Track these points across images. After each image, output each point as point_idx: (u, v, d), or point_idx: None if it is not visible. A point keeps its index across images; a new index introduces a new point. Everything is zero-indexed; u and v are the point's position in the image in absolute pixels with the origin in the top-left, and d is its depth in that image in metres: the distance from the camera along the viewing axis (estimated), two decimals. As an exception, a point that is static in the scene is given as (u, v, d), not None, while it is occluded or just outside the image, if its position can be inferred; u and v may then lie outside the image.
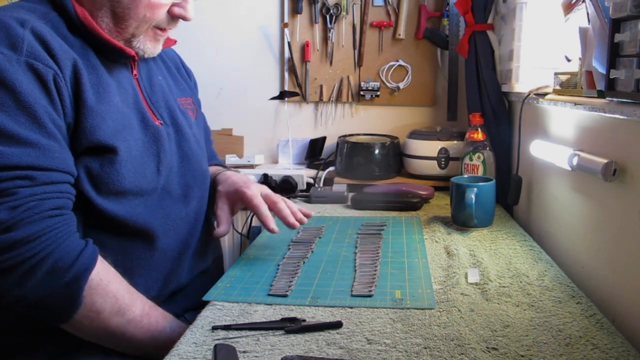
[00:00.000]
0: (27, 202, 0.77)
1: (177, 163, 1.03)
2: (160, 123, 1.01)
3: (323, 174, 1.80)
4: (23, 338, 0.88)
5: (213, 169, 1.27)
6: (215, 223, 1.12)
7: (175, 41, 1.10)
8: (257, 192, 1.08)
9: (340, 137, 1.78)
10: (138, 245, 0.94)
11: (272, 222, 1.05)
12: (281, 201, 1.09)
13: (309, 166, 1.87)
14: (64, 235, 0.80)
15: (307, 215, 1.11)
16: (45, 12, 0.88)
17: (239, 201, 1.10)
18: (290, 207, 1.10)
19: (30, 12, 0.86)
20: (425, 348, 0.72)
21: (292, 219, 1.06)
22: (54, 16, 0.88)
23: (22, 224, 0.76)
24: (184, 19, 0.96)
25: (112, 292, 0.83)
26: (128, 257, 0.93)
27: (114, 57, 0.94)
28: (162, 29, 0.97)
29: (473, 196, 1.19)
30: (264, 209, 1.05)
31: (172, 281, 1.00)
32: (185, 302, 1.03)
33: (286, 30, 1.88)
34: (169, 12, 0.94)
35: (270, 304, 0.86)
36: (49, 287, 0.78)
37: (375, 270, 0.98)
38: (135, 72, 1.00)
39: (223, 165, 1.35)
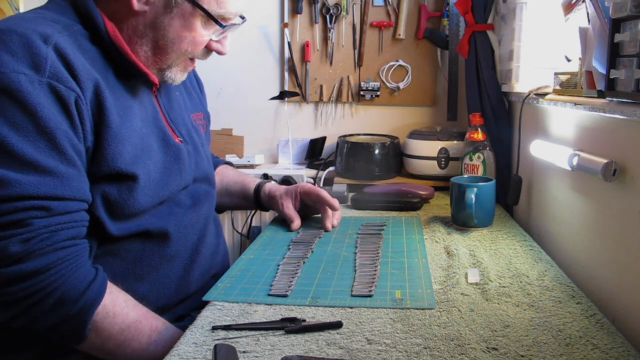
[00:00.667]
0: (40, 234, 0.76)
1: (191, 181, 1.04)
2: (180, 140, 1.01)
3: (323, 174, 1.80)
4: (13, 337, 0.87)
5: (236, 175, 1.34)
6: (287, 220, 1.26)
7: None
8: (315, 186, 1.30)
9: (340, 137, 1.78)
10: (149, 252, 0.94)
11: (336, 203, 1.24)
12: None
13: (309, 166, 1.87)
14: (75, 267, 0.79)
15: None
16: (68, 25, 0.85)
17: (299, 195, 1.27)
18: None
19: (54, 23, 0.83)
20: (425, 348, 0.72)
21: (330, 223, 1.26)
22: (78, 29, 0.86)
23: (34, 256, 0.75)
24: (220, 53, 0.97)
25: (118, 324, 0.83)
26: (139, 265, 0.93)
27: (136, 74, 0.93)
28: (194, 60, 0.98)
29: (473, 196, 1.19)
30: (327, 194, 1.25)
31: (183, 288, 1.00)
32: (193, 304, 1.03)
33: (286, 30, 1.88)
34: (207, 46, 0.95)
35: (270, 304, 0.86)
36: (55, 317, 0.78)
37: (375, 270, 0.98)
38: (154, 89, 1.00)
39: (230, 163, 1.42)
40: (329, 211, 1.25)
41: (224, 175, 1.33)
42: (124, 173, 0.86)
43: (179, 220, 0.98)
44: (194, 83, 1.22)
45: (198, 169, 1.06)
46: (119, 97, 0.88)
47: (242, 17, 0.97)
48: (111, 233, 0.88)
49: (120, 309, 0.84)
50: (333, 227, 1.25)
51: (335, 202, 1.24)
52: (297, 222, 1.25)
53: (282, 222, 1.31)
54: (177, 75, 0.97)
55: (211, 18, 0.90)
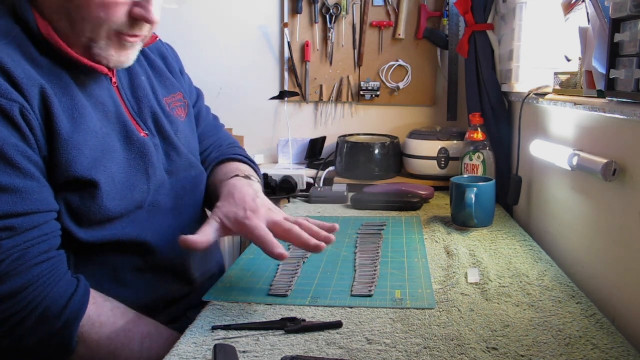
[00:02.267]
0: (10, 255, 0.73)
1: (166, 176, 0.97)
2: (146, 134, 0.95)
3: (323, 174, 1.80)
4: (6, 348, 0.83)
5: (226, 168, 1.11)
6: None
7: (156, 38, 1.01)
8: (261, 222, 0.88)
9: (340, 137, 1.78)
10: (130, 260, 0.91)
11: (277, 247, 0.84)
12: (295, 226, 0.89)
13: (309, 166, 1.87)
14: (53, 282, 0.77)
15: (331, 230, 0.94)
16: (7, 30, 0.80)
17: (238, 231, 0.91)
18: (309, 228, 0.91)
19: None
20: (425, 348, 0.72)
21: (314, 242, 0.87)
22: (18, 32, 0.81)
23: (8, 278, 0.73)
24: (147, 21, 0.84)
25: (106, 334, 0.81)
26: (121, 273, 0.90)
27: (87, 70, 0.87)
28: (130, 35, 0.85)
29: (473, 196, 1.19)
30: (269, 237, 0.86)
31: (176, 292, 0.98)
32: (188, 304, 1.02)
33: (286, 30, 1.88)
34: (131, 14, 0.83)
35: (270, 304, 0.86)
36: (41, 334, 0.76)
37: (375, 270, 0.98)
38: (115, 79, 0.93)
39: (241, 155, 1.18)
40: (301, 236, 0.89)
41: (214, 177, 1.12)
42: (82, 180, 0.82)
43: (158, 228, 0.93)
44: (170, 62, 1.11)
45: (171, 160, 0.99)
46: (73, 98, 0.83)
47: None
48: (82, 240, 0.84)
49: (106, 318, 0.82)
50: (326, 241, 0.90)
51: (274, 247, 0.85)
52: (194, 239, 0.85)
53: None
54: (110, 54, 0.84)
55: None
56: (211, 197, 1.07)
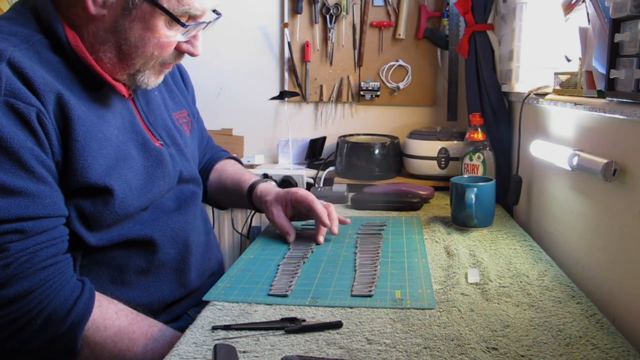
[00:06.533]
0: (19, 258, 0.74)
1: (175, 184, 1.01)
2: (161, 144, 0.98)
3: (323, 174, 1.80)
4: (10, 349, 0.84)
5: (233, 173, 1.27)
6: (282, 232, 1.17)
7: None
8: (308, 193, 1.16)
9: (340, 137, 1.78)
10: (135, 259, 0.92)
11: (327, 217, 1.12)
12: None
13: (309, 166, 1.87)
14: (59, 285, 0.78)
15: (341, 222, 1.18)
16: (28, 36, 0.81)
17: (290, 203, 1.16)
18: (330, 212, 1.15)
19: (10, 37, 0.79)
20: (425, 348, 0.72)
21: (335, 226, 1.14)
22: (38, 39, 0.82)
23: (15, 280, 0.74)
24: (191, 54, 0.92)
25: (110, 337, 0.81)
26: (125, 273, 0.91)
27: (103, 84, 0.88)
28: (168, 64, 0.92)
29: (473, 196, 1.19)
30: (320, 205, 1.13)
31: (179, 290, 0.99)
32: (191, 303, 1.03)
33: (286, 30, 1.88)
34: (177, 47, 0.89)
35: (270, 304, 0.86)
36: (45, 337, 0.77)
37: (375, 270, 0.98)
38: (130, 91, 0.95)
39: (236, 158, 1.36)
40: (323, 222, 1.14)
41: (222, 172, 1.28)
42: (95, 186, 0.83)
43: (164, 226, 0.96)
44: (178, 78, 1.16)
45: (183, 170, 1.03)
46: (89, 107, 0.84)
47: (217, 13, 0.92)
48: (90, 244, 0.85)
49: (111, 321, 0.82)
50: (333, 233, 1.14)
51: (325, 217, 1.12)
52: (292, 235, 1.14)
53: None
54: (150, 79, 0.91)
55: (172, 17, 0.84)
56: (227, 190, 1.25)
